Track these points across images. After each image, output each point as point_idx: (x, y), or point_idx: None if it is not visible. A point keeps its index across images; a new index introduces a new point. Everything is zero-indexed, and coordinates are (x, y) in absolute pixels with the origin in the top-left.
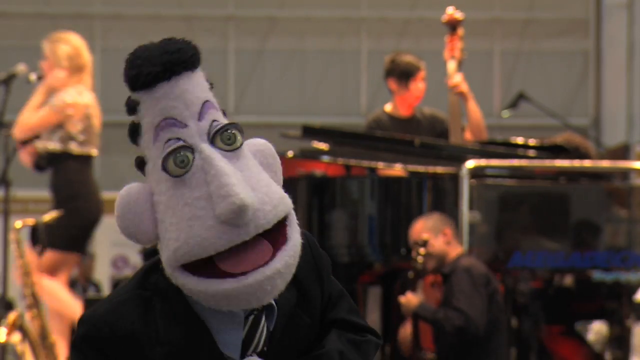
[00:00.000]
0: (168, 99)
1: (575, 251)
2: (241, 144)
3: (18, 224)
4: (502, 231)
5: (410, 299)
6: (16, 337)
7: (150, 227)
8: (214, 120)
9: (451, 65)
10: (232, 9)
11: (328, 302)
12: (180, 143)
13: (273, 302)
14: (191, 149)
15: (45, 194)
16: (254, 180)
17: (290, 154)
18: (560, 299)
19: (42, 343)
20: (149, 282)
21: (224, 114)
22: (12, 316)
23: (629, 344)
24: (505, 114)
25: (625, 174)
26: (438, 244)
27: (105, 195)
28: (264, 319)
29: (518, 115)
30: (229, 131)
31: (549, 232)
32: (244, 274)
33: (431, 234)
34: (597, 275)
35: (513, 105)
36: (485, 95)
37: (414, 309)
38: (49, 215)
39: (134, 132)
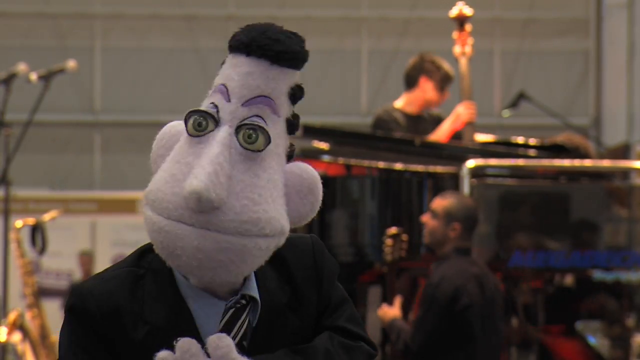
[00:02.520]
0: (237, 70)
1: (576, 251)
2: (260, 150)
3: (18, 223)
4: (502, 231)
5: (385, 313)
6: (17, 336)
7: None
8: (255, 116)
9: (463, 62)
10: (233, 9)
11: (326, 308)
12: (214, 111)
13: (257, 297)
14: (217, 122)
15: (45, 193)
16: (241, 187)
17: None
18: (561, 299)
19: (42, 342)
20: (145, 260)
21: (292, 128)
22: (12, 316)
23: (630, 344)
24: (506, 113)
25: (626, 173)
26: (441, 230)
27: (105, 195)
28: (246, 313)
29: (518, 114)
30: (253, 131)
31: (549, 231)
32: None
33: (442, 217)
34: (598, 274)
35: (513, 104)
36: (486, 95)
37: (385, 324)
38: (49, 215)
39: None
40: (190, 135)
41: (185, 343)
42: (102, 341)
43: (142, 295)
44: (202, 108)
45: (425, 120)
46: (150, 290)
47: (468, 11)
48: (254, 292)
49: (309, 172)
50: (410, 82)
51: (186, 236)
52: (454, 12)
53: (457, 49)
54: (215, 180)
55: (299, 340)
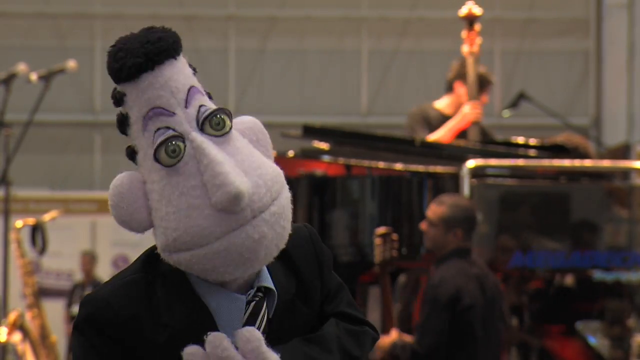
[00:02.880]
0: (153, 88)
1: (576, 251)
2: (230, 128)
3: (19, 223)
4: (502, 231)
5: (382, 341)
6: (17, 336)
7: (145, 216)
8: (201, 106)
9: (470, 61)
10: (233, 9)
11: (327, 296)
12: (171, 132)
13: (274, 288)
14: (182, 137)
15: (45, 193)
16: (247, 164)
17: (290, 153)
18: (561, 299)
19: (42, 342)
20: (151, 265)
21: (210, 97)
22: (12, 316)
23: (630, 344)
24: (506, 113)
25: (626, 173)
26: (442, 237)
27: (106, 195)
28: (265, 305)
29: (518, 114)
30: (217, 116)
31: (549, 231)
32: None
33: (441, 225)
34: (598, 275)
35: (513, 104)
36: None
37: (386, 351)
38: (50, 215)
39: (123, 122)
40: (170, 166)
41: (215, 337)
42: (121, 348)
43: (156, 299)
44: (163, 136)
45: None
46: (164, 294)
47: (477, 10)
48: (269, 283)
49: (248, 119)
50: (448, 86)
51: (245, 236)
52: (463, 11)
53: (465, 48)
54: (239, 174)
55: (308, 329)
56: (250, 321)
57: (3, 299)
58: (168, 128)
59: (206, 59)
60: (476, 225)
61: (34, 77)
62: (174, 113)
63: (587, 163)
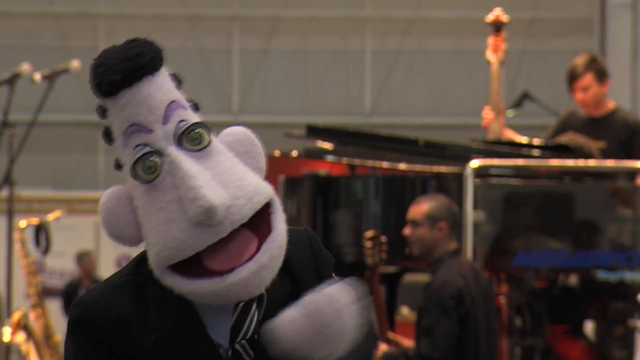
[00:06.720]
0: (131, 105)
1: (580, 251)
2: (209, 143)
3: (22, 223)
4: (506, 231)
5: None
6: (20, 336)
7: (135, 230)
8: (180, 121)
9: (495, 67)
10: (237, 9)
11: None
12: (147, 149)
13: (263, 291)
14: (159, 153)
15: (49, 193)
16: (225, 176)
17: (294, 153)
18: (565, 299)
19: (46, 342)
20: (144, 268)
21: (196, 107)
22: (16, 316)
23: (634, 344)
24: (510, 113)
25: (630, 173)
26: (429, 234)
27: None
28: (254, 306)
29: (522, 114)
30: (195, 131)
31: (553, 231)
32: (230, 270)
33: (426, 222)
34: (602, 274)
35: (517, 104)
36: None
37: None
38: (53, 215)
39: (107, 135)
40: (147, 182)
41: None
42: (110, 351)
43: (146, 302)
44: (140, 153)
45: (609, 124)
46: (154, 296)
47: (505, 18)
48: None
49: (238, 131)
50: None
51: (236, 290)
52: (490, 17)
53: (489, 54)
54: (213, 187)
55: None
56: (239, 322)
57: (7, 299)
58: (146, 145)
59: (210, 59)
60: (458, 220)
61: (37, 77)
62: (151, 130)
63: (591, 163)
